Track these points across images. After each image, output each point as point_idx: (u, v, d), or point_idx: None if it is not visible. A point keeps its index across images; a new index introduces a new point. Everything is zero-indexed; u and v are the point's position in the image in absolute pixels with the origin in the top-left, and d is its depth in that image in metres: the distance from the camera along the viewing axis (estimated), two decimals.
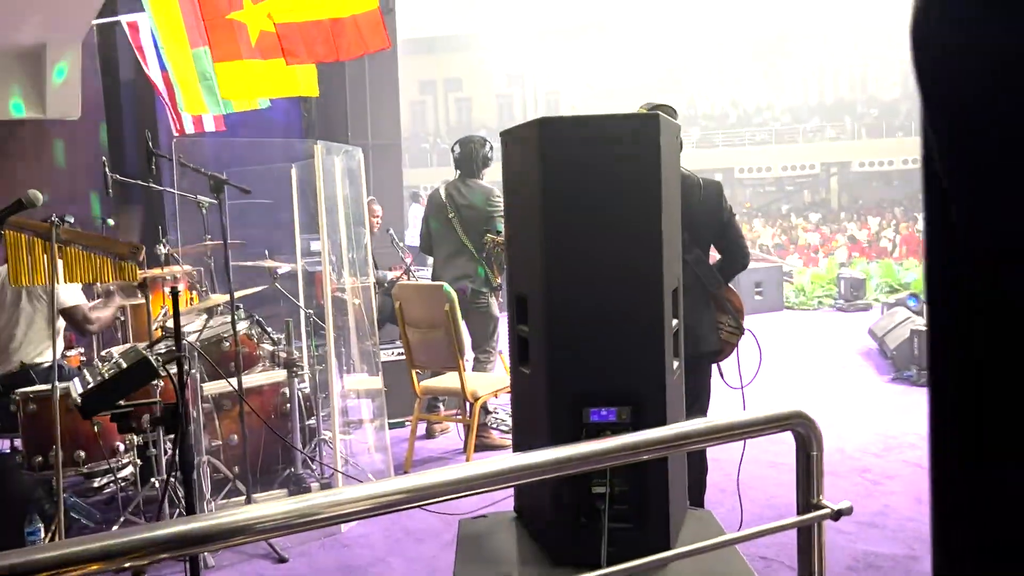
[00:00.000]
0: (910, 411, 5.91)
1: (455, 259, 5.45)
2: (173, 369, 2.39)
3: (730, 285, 3.69)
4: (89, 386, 2.00)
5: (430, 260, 5.94)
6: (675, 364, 2.49)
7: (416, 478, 1.52)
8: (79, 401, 2.00)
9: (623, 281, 2.33)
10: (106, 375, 2.01)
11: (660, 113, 2.28)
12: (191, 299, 6.22)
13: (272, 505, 1.39)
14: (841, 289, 10.41)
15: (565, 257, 2.33)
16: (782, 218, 26.02)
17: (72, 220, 3.19)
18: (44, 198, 3.08)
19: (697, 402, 3.53)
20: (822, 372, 7.28)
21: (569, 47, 30.12)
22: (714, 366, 3.69)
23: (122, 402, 2.06)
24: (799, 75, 32.63)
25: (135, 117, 7.95)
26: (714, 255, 3.79)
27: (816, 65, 32.23)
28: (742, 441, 2.87)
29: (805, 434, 1.88)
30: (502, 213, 5.50)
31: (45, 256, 3.56)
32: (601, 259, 2.33)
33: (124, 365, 2.03)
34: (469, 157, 5.44)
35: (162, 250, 5.60)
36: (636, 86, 32.06)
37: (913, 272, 11.10)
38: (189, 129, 7.09)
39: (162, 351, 4.83)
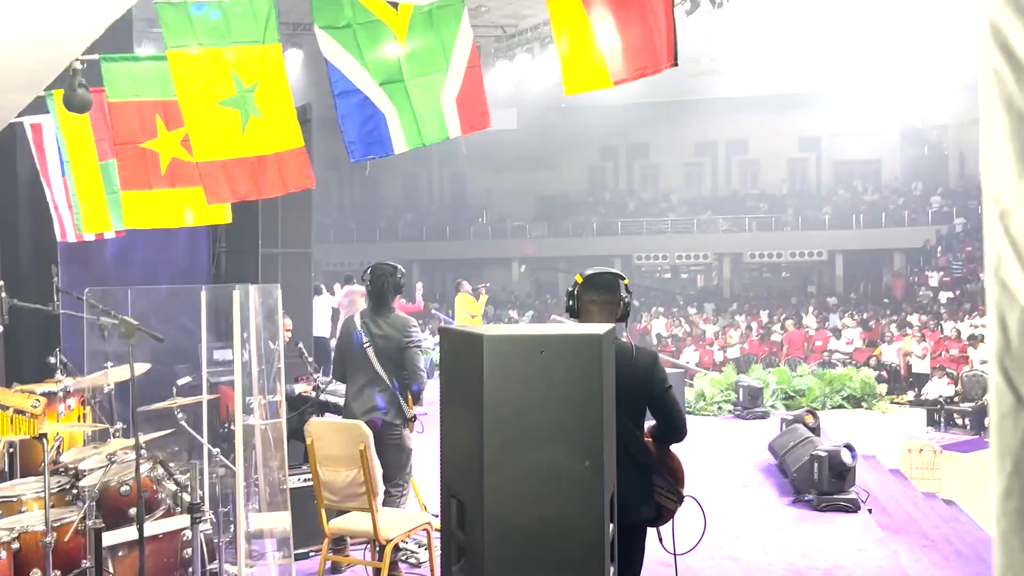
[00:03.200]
0: (812, 540, 6.05)
1: (368, 389, 5.35)
2: None
3: (671, 449, 3.64)
4: None
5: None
6: (612, 571, 2.48)
7: None
8: None
9: (564, 495, 2.33)
10: None
11: (602, 333, 2.31)
12: (83, 414, 5.92)
13: None
14: (740, 396, 10.72)
15: (506, 468, 2.32)
16: (679, 308, 26.73)
17: None
18: None
19: (628, 570, 3.45)
20: (725, 491, 7.40)
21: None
22: (653, 531, 3.59)
23: None
24: (694, 169, 33.97)
25: (32, 213, 7.63)
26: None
27: (710, 158, 33.64)
28: None
29: None
30: (418, 343, 5.50)
31: None
32: (542, 469, 2.33)
33: None
34: (380, 288, 5.39)
35: (57, 368, 5.31)
36: (544, 176, 32.78)
37: (807, 379, 11.52)
38: (75, 237, 6.77)
39: (55, 489, 4.57)
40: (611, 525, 2.51)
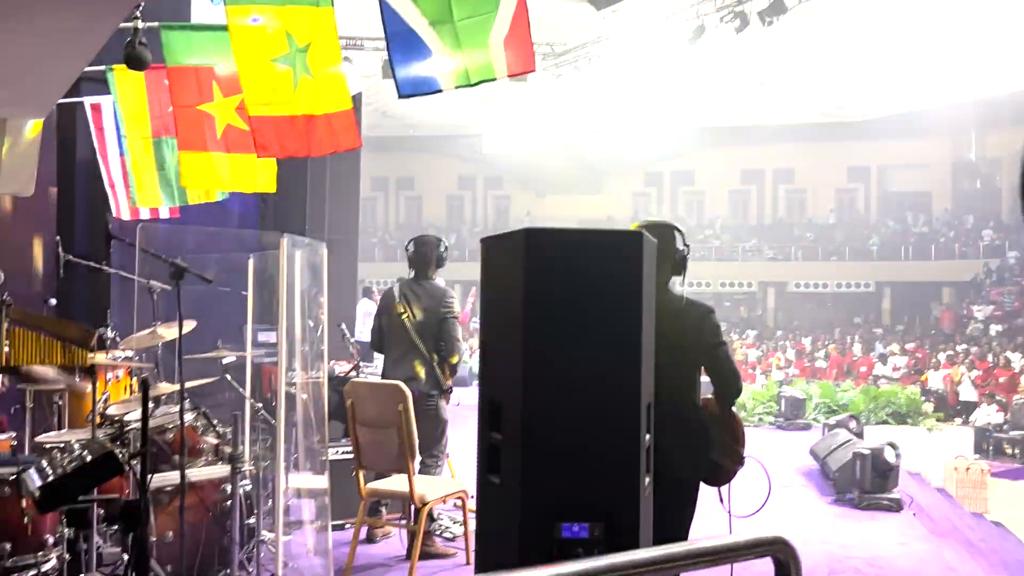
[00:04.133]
0: (853, 533, 5.93)
1: (406, 359, 5.38)
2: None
3: (733, 411, 3.56)
4: (49, 478, 1.90)
5: (379, 357, 5.88)
6: (647, 480, 2.47)
7: None
8: (37, 494, 1.89)
9: (601, 393, 2.33)
10: (68, 467, 1.91)
11: (643, 231, 2.33)
12: (130, 385, 6.04)
13: None
14: (782, 407, 10.57)
15: (544, 366, 2.33)
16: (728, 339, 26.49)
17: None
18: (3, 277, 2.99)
19: (676, 526, 3.35)
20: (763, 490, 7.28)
21: (515, 153, 30.87)
22: (715, 490, 3.53)
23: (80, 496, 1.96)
24: (739, 194, 33.77)
25: (87, 196, 7.83)
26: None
27: (756, 186, 33.44)
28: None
29: (785, 561, 1.86)
30: (455, 314, 5.52)
31: None
32: (580, 370, 2.33)
33: (88, 458, 1.93)
34: (424, 257, 5.44)
35: (108, 334, 5.45)
36: (588, 200, 32.90)
37: (850, 393, 11.33)
38: (130, 215, 6.92)
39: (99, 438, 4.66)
40: (647, 436, 2.50)
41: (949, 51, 20.50)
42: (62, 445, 3.22)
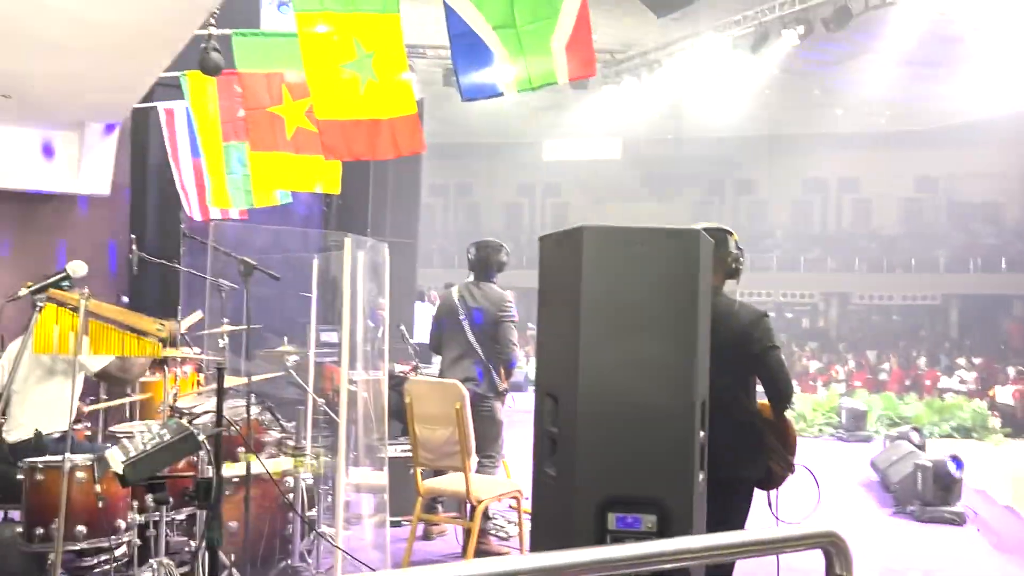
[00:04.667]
0: (913, 546, 5.84)
1: (462, 361, 5.46)
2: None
3: (787, 417, 3.57)
4: (131, 455, 2.02)
5: (437, 358, 5.96)
6: (700, 477, 2.50)
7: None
8: (121, 468, 2.01)
9: (657, 388, 2.38)
10: (149, 446, 2.03)
11: (700, 230, 2.37)
12: (199, 381, 6.24)
13: None
14: (843, 418, 10.41)
15: (601, 360, 2.38)
16: (782, 345, 26.11)
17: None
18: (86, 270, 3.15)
19: (727, 525, 3.33)
20: (823, 503, 7.19)
21: (574, 160, 30.91)
22: (765, 495, 3.56)
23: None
24: (802, 204, 33.26)
25: (159, 199, 8.10)
26: None
27: (819, 195, 32.89)
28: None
29: (836, 554, 1.88)
30: (513, 318, 5.59)
31: (71, 327, 3.61)
32: (636, 365, 2.38)
33: (168, 437, 2.05)
34: (484, 261, 5.52)
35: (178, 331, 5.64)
36: (647, 208, 32.76)
37: (914, 406, 11.11)
38: (200, 215, 7.14)
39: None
40: (702, 433, 2.53)
41: (1021, 57, 19.94)
42: (142, 428, 3.39)
